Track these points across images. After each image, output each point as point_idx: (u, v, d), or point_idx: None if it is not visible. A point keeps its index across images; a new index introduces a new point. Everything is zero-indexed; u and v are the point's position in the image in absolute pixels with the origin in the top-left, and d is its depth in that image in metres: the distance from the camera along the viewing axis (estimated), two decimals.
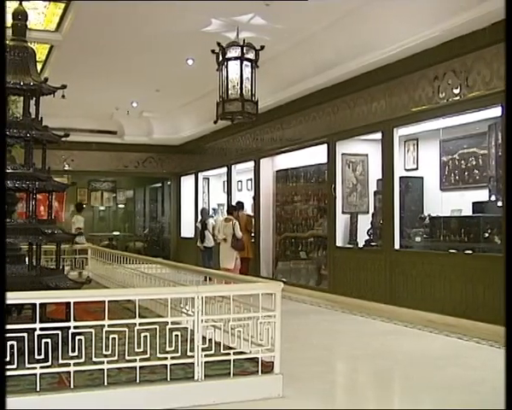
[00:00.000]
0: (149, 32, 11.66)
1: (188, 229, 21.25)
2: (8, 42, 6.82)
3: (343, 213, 12.99)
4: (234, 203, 16.12)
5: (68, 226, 16.93)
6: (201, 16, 10.97)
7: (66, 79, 6.97)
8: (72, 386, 5.10)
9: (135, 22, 11.24)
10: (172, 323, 5.54)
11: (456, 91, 9.61)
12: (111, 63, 13.75)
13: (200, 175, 20.88)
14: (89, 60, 13.43)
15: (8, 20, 10.56)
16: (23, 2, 7.35)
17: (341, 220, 12.99)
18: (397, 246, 11.06)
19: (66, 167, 20.76)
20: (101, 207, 25.89)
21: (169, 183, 23.36)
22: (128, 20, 11.11)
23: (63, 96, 6.78)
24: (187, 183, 21.85)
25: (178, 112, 19.02)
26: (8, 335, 4.97)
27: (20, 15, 6.90)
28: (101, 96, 16.88)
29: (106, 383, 5.15)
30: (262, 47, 10.88)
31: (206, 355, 5.44)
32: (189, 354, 5.41)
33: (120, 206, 26.28)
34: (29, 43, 7.07)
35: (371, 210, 12.93)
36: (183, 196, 22.17)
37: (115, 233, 24.78)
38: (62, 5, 11.03)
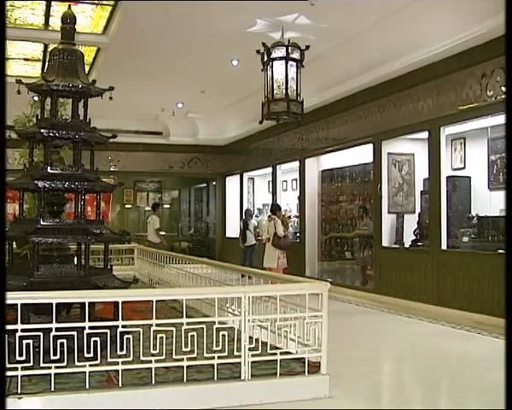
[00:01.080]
0: (195, 32, 11.72)
1: (233, 229, 21.31)
2: (57, 45, 6.93)
3: (389, 212, 12.89)
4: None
5: (116, 226, 17.08)
6: (246, 17, 10.99)
7: (112, 80, 7.03)
8: (120, 384, 5.16)
9: (180, 23, 11.30)
10: (219, 322, 5.56)
11: (505, 89, 9.46)
12: (156, 64, 13.86)
13: (245, 175, 20.92)
14: (135, 61, 13.57)
15: (58, 24, 10.83)
16: (71, 6, 7.45)
17: (387, 220, 12.89)
18: (444, 246, 10.93)
19: (113, 168, 20.98)
20: (147, 208, 26.05)
21: (214, 183, 23.45)
22: (173, 21, 11.18)
23: (111, 98, 6.81)
24: (232, 183, 21.91)
25: (223, 112, 19.07)
26: (58, 333, 5.07)
27: (69, 19, 6.97)
28: (147, 98, 17.03)
29: (153, 382, 5.20)
30: (307, 47, 10.85)
31: (252, 355, 5.45)
32: (235, 353, 5.44)
33: (166, 206, 26.43)
34: (77, 46, 7.15)
35: (417, 210, 12.80)
36: (228, 197, 22.23)
37: (161, 233, 24.91)
38: (109, 8, 11.17)
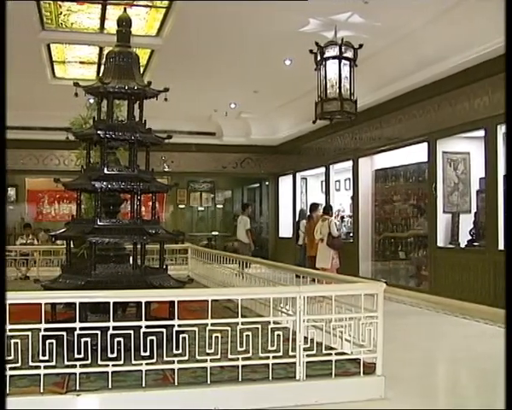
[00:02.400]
0: (247, 33, 11.77)
1: (286, 229, 21.31)
2: (112, 48, 7.02)
3: (444, 212, 12.71)
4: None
5: (169, 226, 17.23)
6: (299, 16, 10.98)
7: (165, 82, 7.08)
8: (176, 383, 5.20)
9: (233, 24, 11.36)
10: (274, 322, 5.57)
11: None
12: (210, 65, 13.94)
13: (298, 175, 20.88)
14: (188, 62, 13.67)
15: (113, 27, 10.99)
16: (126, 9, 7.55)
17: (442, 220, 12.72)
18: (501, 246, 10.73)
19: (166, 169, 21.16)
20: (200, 208, 26.21)
21: (267, 183, 23.46)
22: (226, 22, 11.25)
23: (166, 99, 6.87)
24: (285, 183, 21.89)
25: (276, 112, 19.08)
26: (115, 332, 5.14)
27: (125, 22, 7.06)
28: (200, 98, 17.14)
29: (209, 382, 5.23)
30: (360, 45, 10.79)
31: (307, 355, 5.44)
32: (290, 353, 5.43)
33: (219, 206, 26.53)
34: (132, 49, 7.23)
35: (473, 209, 12.59)
36: (280, 197, 22.22)
37: (214, 233, 25.08)
38: (163, 10, 11.28)
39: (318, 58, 10.91)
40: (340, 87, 10.78)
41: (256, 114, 19.55)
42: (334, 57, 10.81)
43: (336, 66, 10.81)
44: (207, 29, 11.59)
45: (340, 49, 10.77)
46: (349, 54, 10.85)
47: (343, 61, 10.82)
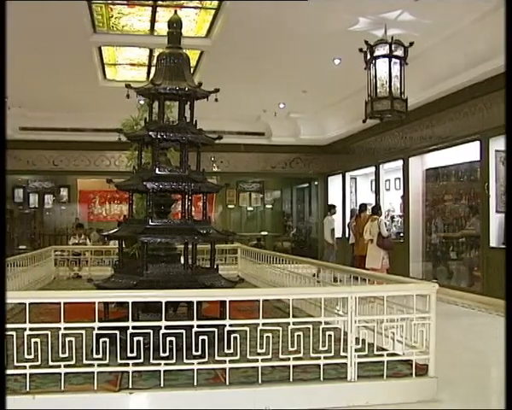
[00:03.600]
0: (296, 33, 11.75)
1: (335, 229, 21.18)
2: (164, 49, 7.08)
3: (497, 212, 12.48)
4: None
5: (219, 226, 17.29)
6: (349, 15, 10.93)
7: (215, 82, 7.12)
8: (227, 383, 5.22)
9: (282, 24, 11.35)
10: (325, 323, 5.55)
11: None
12: (259, 66, 13.96)
13: (348, 175, 20.77)
14: (237, 63, 13.72)
15: (163, 29, 11.09)
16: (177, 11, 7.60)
17: (495, 220, 12.48)
18: None
19: (215, 169, 21.26)
20: (250, 208, 26.29)
21: (316, 183, 23.40)
22: (275, 22, 11.24)
23: (216, 100, 6.90)
24: (334, 183, 21.78)
25: (325, 112, 19.02)
26: (167, 331, 5.19)
27: (175, 24, 7.11)
28: (249, 99, 17.18)
29: (260, 381, 5.24)
30: (411, 43, 10.69)
31: (359, 356, 5.42)
32: (341, 354, 5.41)
33: (268, 206, 26.59)
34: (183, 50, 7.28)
35: None
36: (330, 196, 22.11)
37: (263, 233, 25.12)
38: (212, 12, 11.34)
39: (368, 57, 10.84)
40: (390, 86, 10.70)
41: (305, 113, 19.51)
42: (384, 56, 10.73)
43: (386, 64, 10.73)
44: (256, 29, 11.62)
45: (391, 47, 10.69)
46: (399, 52, 10.76)
47: (393, 60, 10.73)
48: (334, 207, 18.16)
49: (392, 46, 10.70)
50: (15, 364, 5.08)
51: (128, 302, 5.24)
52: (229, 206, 25.84)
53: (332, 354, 5.41)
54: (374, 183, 18.55)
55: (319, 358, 5.39)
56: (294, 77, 14.87)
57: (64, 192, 24.89)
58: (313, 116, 19.75)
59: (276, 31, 11.70)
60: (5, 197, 13.28)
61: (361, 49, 10.80)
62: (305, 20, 11.06)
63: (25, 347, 5.13)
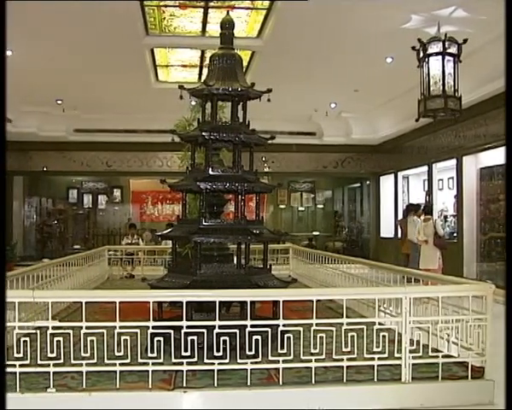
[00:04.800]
0: (348, 32, 11.69)
1: (387, 229, 21.03)
2: (216, 50, 7.12)
3: None
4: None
5: (270, 226, 17.30)
6: (401, 13, 10.82)
7: (266, 83, 7.12)
8: (280, 382, 5.23)
9: (333, 23, 11.31)
10: (378, 323, 5.51)
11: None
12: (310, 65, 13.93)
13: (400, 174, 20.57)
14: (288, 63, 13.70)
15: (214, 30, 11.16)
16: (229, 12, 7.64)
17: None
18: None
19: (267, 169, 21.27)
20: (301, 208, 26.26)
21: (368, 183, 23.25)
22: (326, 21, 11.20)
23: (269, 100, 6.90)
24: (386, 182, 21.61)
25: (377, 111, 18.87)
26: (220, 331, 5.22)
27: (228, 24, 7.14)
28: (301, 99, 17.13)
29: (313, 382, 5.22)
30: (465, 40, 10.51)
31: (413, 357, 5.36)
32: (395, 355, 5.37)
33: (319, 206, 26.52)
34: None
35: None
36: (382, 196, 21.97)
37: (315, 233, 25.05)
38: (263, 12, 11.36)
39: (421, 55, 10.70)
40: (443, 84, 10.54)
41: (356, 113, 19.39)
42: (437, 53, 10.57)
43: (440, 62, 10.57)
44: (307, 29, 11.59)
45: (444, 44, 10.52)
46: (453, 49, 10.59)
47: (447, 57, 10.56)
48: (418, 206, 17.82)
49: (446, 43, 10.53)
50: (72, 362, 5.17)
51: (182, 302, 5.29)
52: (281, 206, 25.86)
53: (386, 355, 5.36)
54: (426, 182, 18.32)
55: (373, 359, 5.35)
56: (346, 76, 14.80)
57: (117, 193, 25.23)
58: (365, 115, 19.61)
59: (327, 30, 11.65)
60: (5, 197, 13.46)
61: (414, 47, 10.67)
62: (356, 18, 11.00)
63: (81, 345, 5.21)
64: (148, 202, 24.73)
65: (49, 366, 5.12)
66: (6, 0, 4.96)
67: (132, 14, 10.97)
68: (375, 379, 5.31)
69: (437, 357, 5.47)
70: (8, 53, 12.29)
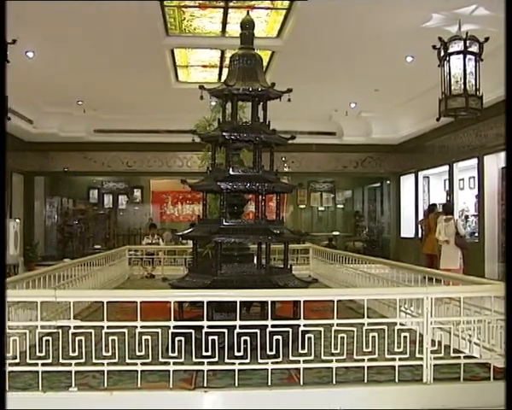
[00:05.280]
0: (368, 31, 11.66)
1: (408, 229, 20.96)
2: (236, 51, 7.12)
3: None
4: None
5: (289, 226, 17.30)
6: (422, 12, 10.77)
7: (286, 82, 7.11)
8: (301, 383, 5.22)
9: (354, 22, 11.29)
10: (399, 324, 5.49)
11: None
12: (330, 65, 13.91)
13: (420, 174, 20.48)
14: (308, 63, 13.69)
15: (234, 30, 11.17)
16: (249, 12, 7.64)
17: None
18: None
19: (286, 169, 21.25)
20: (321, 208, 26.22)
21: (388, 182, 23.18)
22: (347, 20, 11.18)
23: (289, 100, 6.89)
24: (406, 182, 21.54)
25: (397, 110, 18.80)
26: (241, 331, 5.21)
27: (248, 24, 7.12)
28: (321, 99, 17.12)
29: (334, 382, 5.21)
30: (486, 39, 10.44)
31: (435, 358, 5.33)
32: (417, 355, 5.34)
33: (339, 206, 26.46)
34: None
35: None
36: (402, 196, 21.89)
37: (335, 233, 25.00)
38: (283, 12, 11.35)
39: (442, 54, 10.65)
40: (465, 83, 10.48)
41: (377, 112, 19.33)
42: (458, 52, 10.52)
43: (461, 61, 10.52)
44: (327, 29, 11.57)
45: (465, 43, 10.47)
46: (474, 48, 10.53)
47: (468, 56, 10.51)
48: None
49: (467, 42, 10.48)
50: (94, 361, 5.20)
51: (202, 302, 5.29)
52: (301, 206, 25.84)
53: (407, 355, 5.34)
54: (447, 182, 18.21)
55: (394, 359, 5.32)
56: (366, 76, 14.76)
57: (137, 193, 25.33)
58: (385, 115, 19.55)
59: (347, 29, 11.63)
60: (5, 197, 13.52)
61: (434, 46, 10.62)
62: (377, 18, 10.97)
63: (102, 344, 5.23)
64: (169, 202, 24.80)
65: (70, 365, 5.14)
66: (6, 0, 4.97)
67: (152, 15, 11.01)
68: (397, 380, 5.27)
69: (459, 358, 5.42)
70: (30, 55, 12.40)
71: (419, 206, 20.18)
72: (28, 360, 5.22)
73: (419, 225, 18.40)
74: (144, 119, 19.55)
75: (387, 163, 22.01)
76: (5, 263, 4.60)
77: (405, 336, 5.33)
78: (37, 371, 5.12)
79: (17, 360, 5.32)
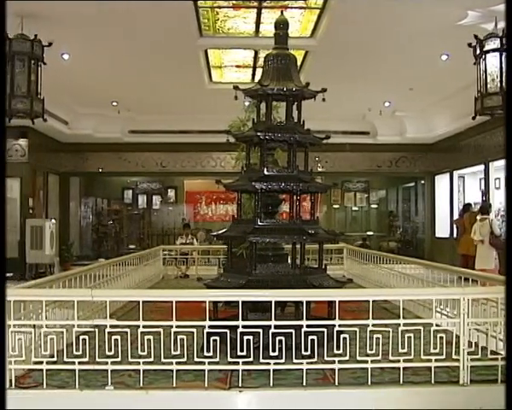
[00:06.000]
0: (402, 30, 11.56)
1: (442, 229, 20.77)
2: (271, 51, 7.12)
3: None
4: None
5: (323, 226, 17.26)
6: (457, 10, 10.66)
7: (319, 82, 7.09)
8: (336, 383, 5.20)
9: (388, 21, 11.21)
10: (436, 325, 5.45)
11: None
12: (364, 65, 13.84)
13: (455, 173, 20.27)
14: (341, 62, 13.64)
15: (268, 30, 11.18)
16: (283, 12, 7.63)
17: None
18: None
19: (320, 169, 21.18)
20: (354, 208, 26.12)
21: (422, 182, 22.99)
22: (381, 19, 11.11)
23: (323, 100, 6.87)
24: (441, 182, 21.34)
25: (432, 109, 18.63)
26: (276, 331, 5.22)
27: (282, 24, 7.12)
28: (354, 98, 17.05)
29: (369, 383, 5.19)
30: None
31: (471, 359, 5.27)
32: (453, 357, 5.29)
33: (373, 206, 26.32)
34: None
35: None
36: (437, 196, 21.69)
37: (368, 233, 24.88)
38: (317, 11, 11.32)
39: (478, 51, 10.52)
40: (501, 81, 10.33)
41: (411, 111, 19.18)
42: (494, 50, 10.37)
43: (497, 59, 10.37)
44: (361, 28, 11.51)
45: (502, 41, 10.33)
46: None
47: (504, 54, 10.37)
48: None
49: (504, 39, 10.35)
50: (129, 360, 5.24)
51: (236, 302, 5.31)
52: (334, 206, 25.76)
53: (443, 356, 5.29)
54: (483, 181, 18.01)
55: (430, 360, 5.29)
56: (400, 74, 14.65)
57: (171, 193, 25.47)
58: (419, 114, 19.40)
59: (381, 28, 11.56)
60: (5, 197, 13.74)
61: (470, 44, 10.50)
62: (411, 16, 10.88)
63: (138, 343, 5.27)
64: (202, 202, 24.87)
65: (107, 363, 5.19)
66: (6, 0, 5.01)
67: (186, 16, 11.05)
68: (433, 381, 5.24)
69: (496, 359, 5.36)
70: (66, 57, 12.53)
71: (454, 205, 19.98)
72: (65, 359, 5.29)
73: (454, 225, 18.22)
74: (178, 119, 19.63)
75: (422, 163, 21.83)
76: (5, 263, 4.60)
77: (441, 337, 5.29)
78: (74, 370, 5.19)
79: (54, 359, 5.40)
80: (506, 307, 3.83)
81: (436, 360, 5.28)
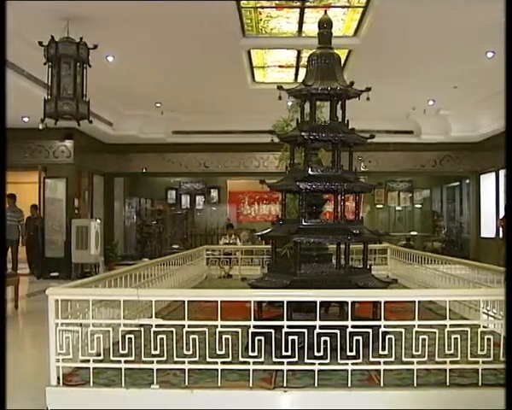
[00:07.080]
0: (447, 27, 11.43)
1: (488, 229, 20.48)
2: (314, 50, 7.11)
3: None
4: None
5: (367, 226, 17.17)
6: (501, 5, 10.47)
7: (363, 81, 7.05)
8: (381, 384, 5.17)
9: (432, 19, 11.09)
10: (483, 326, 5.38)
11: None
12: (408, 63, 13.72)
13: (502, 173, 19.94)
14: (385, 61, 13.54)
15: (310, 30, 11.16)
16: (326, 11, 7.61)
17: None
18: None
19: (363, 168, 21.05)
20: (398, 208, 25.90)
21: (467, 181, 22.71)
22: (425, 17, 10.99)
23: (368, 99, 6.84)
24: (487, 181, 21.03)
25: (477, 107, 18.36)
26: (321, 331, 5.21)
27: (326, 24, 7.10)
28: (398, 97, 16.91)
29: (415, 384, 5.14)
30: None
31: None
32: (501, 359, 5.21)
33: (417, 206, 26.07)
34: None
35: None
36: (482, 195, 21.40)
37: (412, 233, 24.66)
38: (360, 10, 11.26)
39: None
40: None
41: (456, 110, 18.93)
42: None
43: None
44: (405, 26, 11.41)
45: None
46: None
47: None
48: None
49: None
50: (175, 359, 5.28)
51: (281, 301, 5.31)
52: (378, 205, 25.59)
53: (491, 358, 5.22)
54: None
55: (477, 362, 5.22)
56: (445, 73, 14.49)
57: (214, 193, 25.56)
58: (464, 112, 19.13)
59: (424, 26, 11.43)
60: (5, 197, 13.80)
61: None
62: (455, 13, 10.75)
63: (183, 343, 5.31)
64: (245, 202, 24.93)
65: (152, 362, 5.24)
66: (6, 0, 5.06)
67: (229, 16, 11.08)
68: (480, 384, 5.17)
69: None
70: (110, 59, 12.67)
71: (499, 205, 19.68)
72: (111, 358, 5.35)
73: (499, 225, 17.99)
74: (221, 119, 19.70)
75: (467, 162, 21.56)
76: (5, 263, 4.66)
77: (489, 339, 5.23)
78: (120, 368, 5.25)
79: (101, 357, 5.46)
80: (506, 307, 3.76)
81: (483, 362, 5.21)
